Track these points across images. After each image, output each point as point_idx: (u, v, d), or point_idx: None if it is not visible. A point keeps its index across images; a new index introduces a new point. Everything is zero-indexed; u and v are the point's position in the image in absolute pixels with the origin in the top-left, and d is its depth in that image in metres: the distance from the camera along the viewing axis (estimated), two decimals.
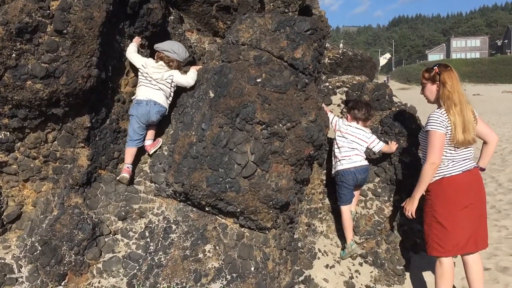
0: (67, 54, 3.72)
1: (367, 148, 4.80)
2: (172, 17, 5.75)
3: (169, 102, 4.55)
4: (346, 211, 4.68)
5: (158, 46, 4.62)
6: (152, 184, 4.33)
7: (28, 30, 3.52)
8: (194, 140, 3.93)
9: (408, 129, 5.08)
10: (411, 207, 4.05)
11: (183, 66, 4.79)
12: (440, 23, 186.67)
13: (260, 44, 4.11)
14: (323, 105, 4.57)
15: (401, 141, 5.06)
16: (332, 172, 4.84)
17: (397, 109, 5.63)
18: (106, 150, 4.31)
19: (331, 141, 5.03)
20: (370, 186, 5.10)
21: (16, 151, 3.97)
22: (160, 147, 4.51)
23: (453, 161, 3.94)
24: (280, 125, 3.78)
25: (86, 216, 4.00)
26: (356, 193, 4.88)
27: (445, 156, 3.93)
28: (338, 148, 4.76)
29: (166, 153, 4.38)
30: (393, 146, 4.95)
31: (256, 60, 4.03)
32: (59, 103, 3.86)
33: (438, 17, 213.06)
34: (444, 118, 3.85)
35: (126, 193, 4.29)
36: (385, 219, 4.90)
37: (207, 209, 4.01)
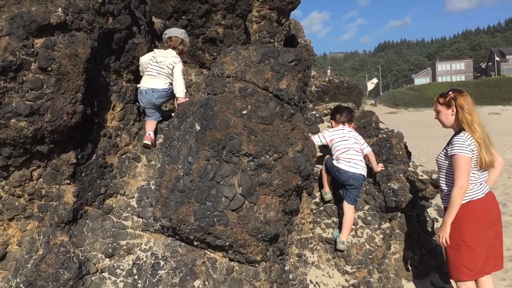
0: (51, 91, 3.70)
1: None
2: None
3: (169, 82, 4.93)
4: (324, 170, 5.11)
5: (168, 31, 5.19)
6: (140, 219, 4.27)
7: (12, 69, 3.51)
8: (181, 174, 3.90)
9: (395, 155, 5.10)
10: (444, 234, 3.96)
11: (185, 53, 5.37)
12: (424, 47, 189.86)
13: (245, 76, 4.14)
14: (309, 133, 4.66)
15: (389, 168, 5.07)
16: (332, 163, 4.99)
17: (384, 135, 5.67)
18: (93, 186, 4.26)
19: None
20: (360, 214, 5.08)
21: (0, 190, 3.91)
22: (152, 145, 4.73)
23: (477, 184, 3.97)
24: (267, 156, 3.77)
25: (72, 255, 3.92)
26: (349, 221, 4.87)
27: (471, 180, 3.94)
28: (344, 152, 4.88)
29: (153, 187, 4.33)
30: (378, 167, 5.14)
31: (242, 92, 4.05)
32: (44, 140, 3.83)
33: (422, 41, 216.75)
34: (470, 142, 3.88)
35: (113, 229, 4.22)
36: (376, 247, 4.86)
37: (195, 243, 3.95)
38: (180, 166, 3.95)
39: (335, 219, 5.07)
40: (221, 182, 3.75)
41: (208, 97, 4.13)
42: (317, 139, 5.01)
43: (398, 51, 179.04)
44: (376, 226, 5.00)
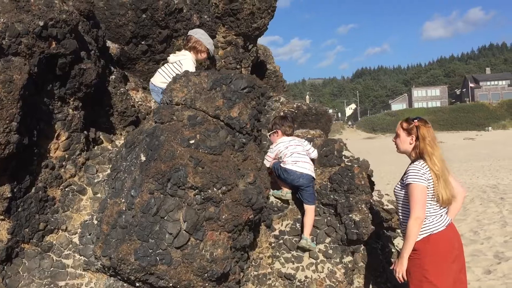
0: None
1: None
2: (113, 76, 5.55)
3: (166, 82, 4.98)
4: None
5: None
6: (81, 257, 3.96)
7: None
8: (124, 208, 3.63)
9: (357, 185, 4.91)
10: (401, 268, 3.76)
11: (204, 61, 5.67)
12: (401, 74, 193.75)
13: (195, 103, 3.93)
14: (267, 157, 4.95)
15: (351, 199, 4.87)
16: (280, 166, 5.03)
17: (349, 164, 5.49)
18: (30, 221, 3.94)
19: None
20: (321, 248, 4.84)
21: None
22: None
23: (437, 216, 3.81)
24: (215, 189, 3.53)
25: None
26: (310, 220, 4.83)
27: (430, 211, 3.78)
28: (289, 156, 4.95)
29: (96, 222, 4.04)
30: None
31: (190, 120, 3.83)
32: None
33: (399, 68, 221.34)
34: (425, 170, 3.75)
35: (51, 268, 3.90)
36: (337, 283, 4.61)
37: (137, 284, 3.65)
38: (123, 200, 3.69)
39: (295, 253, 4.82)
40: (165, 218, 3.49)
41: (155, 125, 3.90)
42: (267, 163, 4.98)
43: (375, 77, 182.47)
44: (338, 260, 4.77)
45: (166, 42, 6.44)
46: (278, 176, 5.00)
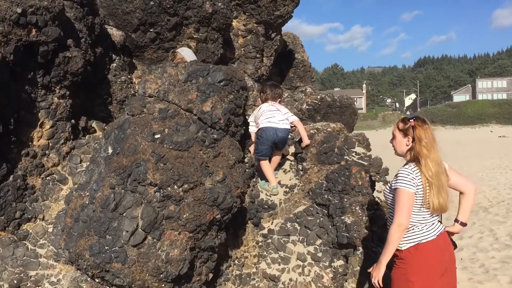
0: None
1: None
2: (114, 64, 5.50)
3: None
4: (264, 162, 5.09)
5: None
6: (53, 247, 3.94)
7: None
8: (87, 202, 3.55)
9: (352, 186, 4.59)
10: (377, 274, 3.49)
11: None
12: (466, 63, 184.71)
13: (167, 96, 3.77)
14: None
15: (345, 200, 4.56)
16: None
17: (357, 161, 5.16)
18: (6, 209, 3.94)
19: None
20: (310, 250, 4.58)
21: None
22: None
23: (427, 224, 3.51)
24: (175, 187, 3.37)
25: None
26: (277, 158, 5.28)
27: (418, 219, 3.49)
28: (261, 116, 5.11)
29: None
30: (304, 142, 5.24)
31: (161, 113, 3.67)
32: None
33: (464, 57, 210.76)
34: (415, 175, 3.44)
35: (24, 257, 3.90)
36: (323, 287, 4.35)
37: (96, 280, 3.56)
38: (88, 193, 3.60)
39: (283, 254, 4.58)
40: (124, 214, 3.36)
41: (126, 118, 3.77)
42: (252, 129, 5.22)
43: (438, 67, 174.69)
44: (327, 263, 4.48)
45: (175, 30, 6.29)
46: (259, 145, 5.06)
